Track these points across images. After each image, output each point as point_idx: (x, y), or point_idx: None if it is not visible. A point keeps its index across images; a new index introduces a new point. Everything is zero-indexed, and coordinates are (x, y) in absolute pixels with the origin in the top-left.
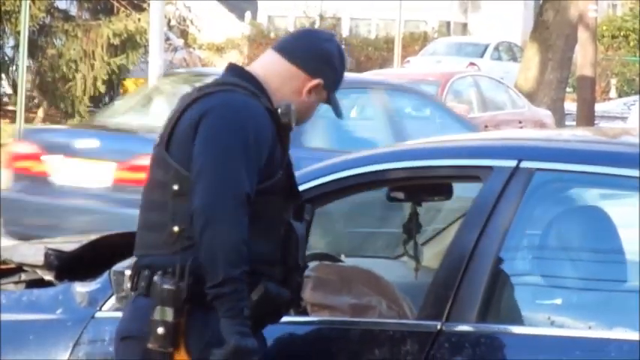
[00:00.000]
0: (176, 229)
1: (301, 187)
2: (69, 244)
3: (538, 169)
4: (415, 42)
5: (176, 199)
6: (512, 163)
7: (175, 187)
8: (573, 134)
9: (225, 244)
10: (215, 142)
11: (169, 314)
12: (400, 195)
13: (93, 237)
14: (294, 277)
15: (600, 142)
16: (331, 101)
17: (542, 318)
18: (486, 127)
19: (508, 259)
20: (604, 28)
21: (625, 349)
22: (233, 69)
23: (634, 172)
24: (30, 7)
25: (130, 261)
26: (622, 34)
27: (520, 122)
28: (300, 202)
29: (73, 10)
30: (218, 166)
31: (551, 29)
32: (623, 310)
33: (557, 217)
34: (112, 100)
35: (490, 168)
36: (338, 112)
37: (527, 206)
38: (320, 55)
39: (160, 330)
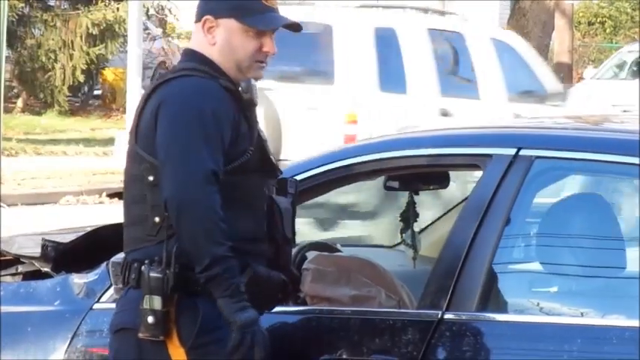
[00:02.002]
0: (157, 219)
1: (307, 174)
2: (66, 235)
3: (537, 157)
4: None
5: (153, 190)
6: (512, 152)
7: (150, 179)
8: (572, 122)
9: (203, 225)
10: (174, 129)
11: (157, 302)
12: (396, 184)
13: (90, 228)
14: (285, 251)
15: (599, 130)
16: (254, 24)
17: (542, 306)
18: None
19: (508, 247)
20: (580, 14)
21: (626, 337)
22: (189, 54)
23: (633, 160)
24: None
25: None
26: (598, 20)
27: None
28: (278, 176)
29: (52, 0)
30: (180, 152)
31: (528, 16)
32: (622, 298)
33: (557, 204)
34: (90, 89)
35: (489, 156)
36: (292, 27)
37: (527, 194)
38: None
39: (150, 319)
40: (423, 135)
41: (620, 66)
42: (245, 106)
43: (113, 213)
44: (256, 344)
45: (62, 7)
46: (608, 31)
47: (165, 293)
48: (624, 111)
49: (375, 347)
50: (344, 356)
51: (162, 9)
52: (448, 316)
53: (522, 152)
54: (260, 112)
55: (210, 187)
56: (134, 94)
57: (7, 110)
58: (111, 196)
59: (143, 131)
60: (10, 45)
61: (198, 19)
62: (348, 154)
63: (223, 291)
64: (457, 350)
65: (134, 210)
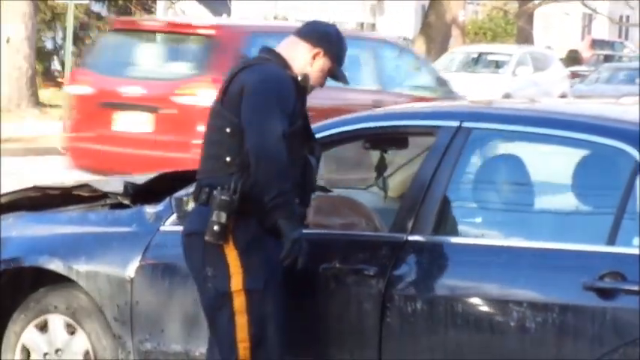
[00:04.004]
0: (229, 159)
1: (320, 134)
2: (140, 178)
3: (475, 128)
4: None
5: (229, 138)
6: (456, 124)
7: (228, 130)
8: (505, 102)
9: (275, 167)
10: (257, 100)
11: (223, 217)
12: (372, 145)
13: (157, 173)
14: (308, 195)
15: (522, 109)
16: (337, 73)
17: (476, 232)
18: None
19: (453, 190)
20: (469, 27)
21: (537, 255)
22: (265, 49)
23: (542, 130)
24: (74, 10)
25: (185, 190)
26: (482, 31)
27: None
28: (313, 142)
29: (104, 12)
30: (261, 116)
31: (433, 28)
32: (532, 226)
33: (487, 161)
34: None
35: (440, 127)
36: (344, 81)
37: (467, 154)
38: (320, 32)
39: (216, 227)
40: (394, 111)
41: (451, 62)
42: (300, 90)
43: None
44: (301, 255)
45: (110, 17)
46: (488, 39)
47: (230, 211)
48: None
49: (359, 260)
50: (337, 265)
51: (183, 12)
52: (412, 237)
53: (464, 124)
54: None
55: (280, 143)
56: None
57: None
58: None
59: (230, 98)
60: (74, 43)
61: (311, 43)
62: (343, 123)
63: (284, 215)
64: (417, 262)
65: (211, 149)
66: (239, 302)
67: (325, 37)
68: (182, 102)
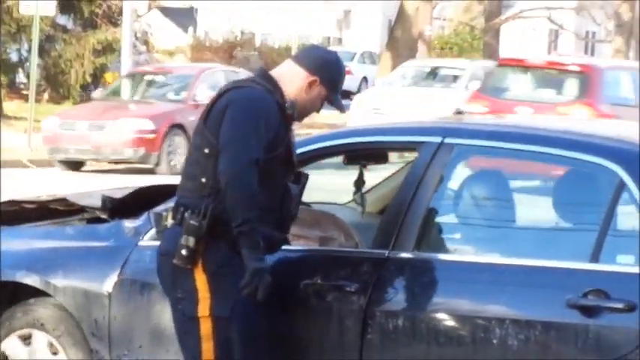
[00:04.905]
0: (204, 180)
1: (303, 149)
2: (118, 192)
3: (457, 144)
4: None
5: (206, 158)
6: (439, 140)
7: (206, 151)
8: (488, 119)
9: (243, 195)
10: (235, 123)
11: (192, 242)
12: (352, 160)
13: (135, 187)
14: (287, 222)
15: (504, 125)
16: (333, 100)
17: (459, 248)
18: None
19: (435, 206)
20: (436, 42)
21: (520, 272)
22: (260, 71)
23: (524, 147)
24: (39, 22)
25: (164, 205)
26: (448, 46)
27: None
28: (296, 170)
29: (70, 25)
30: (237, 140)
31: (400, 42)
32: (515, 243)
33: (469, 178)
34: (96, 88)
35: (423, 142)
36: (341, 109)
37: (449, 169)
38: (318, 59)
39: (184, 251)
40: (377, 127)
41: (404, 76)
42: (286, 117)
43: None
44: (261, 286)
45: (76, 30)
46: (455, 53)
47: (197, 236)
48: (375, 112)
49: (341, 276)
50: (319, 281)
51: (146, 33)
52: (393, 254)
53: (446, 140)
54: None
55: (251, 170)
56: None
57: (37, 100)
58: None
59: (212, 118)
60: (40, 55)
61: (307, 71)
62: (325, 138)
63: (247, 244)
64: (399, 279)
65: (189, 169)
66: (205, 328)
67: (322, 65)
68: None
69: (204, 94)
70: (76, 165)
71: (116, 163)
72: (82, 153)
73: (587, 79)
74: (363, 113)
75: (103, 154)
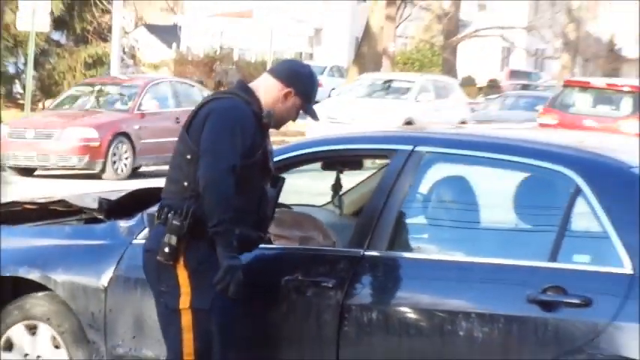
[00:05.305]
0: (185, 184)
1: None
2: (113, 194)
3: (427, 152)
4: None
5: (188, 163)
6: (410, 148)
7: (188, 157)
8: (456, 129)
9: (219, 198)
10: (214, 131)
11: (174, 240)
12: (329, 166)
13: (130, 190)
14: (264, 223)
15: (470, 134)
16: (307, 109)
17: (428, 248)
18: (177, 118)
19: (406, 209)
20: (399, 57)
21: (483, 270)
22: (239, 83)
23: (489, 155)
24: (35, 37)
25: (156, 207)
26: (410, 62)
27: None
28: (272, 175)
29: (63, 40)
30: (215, 148)
31: (366, 58)
32: (480, 243)
33: (437, 182)
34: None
35: (395, 150)
36: (314, 118)
37: (419, 176)
38: (292, 72)
39: (166, 249)
40: (352, 135)
41: (359, 88)
42: (262, 126)
43: None
44: (233, 282)
45: (69, 45)
46: (416, 68)
47: (179, 235)
48: (331, 122)
49: (319, 273)
50: (299, 277)
51: (133, 48)
52: (368, 253)
53: (417, 148)
54: None
55: (227, 175)
56: None
57: (33, 109)
58: None
59: (194, 126)
60: (35, 68)
61: (282, 83)
62: (303, 146)
63: (222, 243)
64: (373, 276)
65: (173, 173)
66: (186, 319)
67: (296, 78)
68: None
69: (150, 104)
70: (27, 171)
71: (64, 169)
72: (30, 160)
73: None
74: (320, 122)
75: (50, 161)
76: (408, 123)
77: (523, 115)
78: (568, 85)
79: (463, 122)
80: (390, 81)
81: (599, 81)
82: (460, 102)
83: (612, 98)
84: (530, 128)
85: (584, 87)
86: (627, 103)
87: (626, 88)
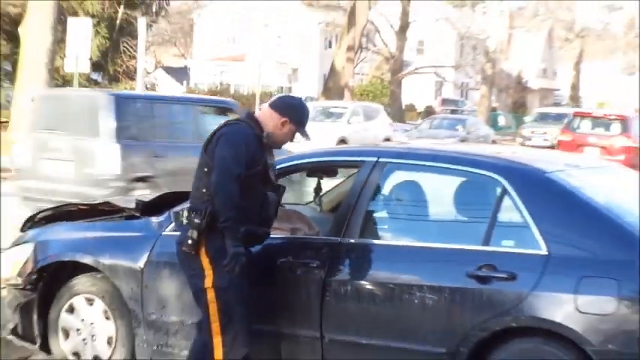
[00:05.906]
0: (204, 190)
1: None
2: (147, 197)
3: (388, 162)
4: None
5: (206, 175)
6: (375, 159)
7: (206, 169)
8: (412, 145)
9: (224, 200)
10: (224, 149)
11: (195, 234)
12: (312, 174)
13: (159, 193)
14: (268, 222)
15: (422, 148)
16: (301, 132)
17: (389, 236)
18: None
19: (372, 206)
20: (357, 90)
21: (432, 252)
22: (247, 113)
23: (435, 164)
24: (78, 77)
25: (181, 206)
26: (365, 93)
27: None
28: (273, 184)
29: (99, 79)
30: (224, 162)
31: (332, 91)
32: (429, 232)
33: (396, 186)
34: None
35: (363, 161)
36: (307, 138)
37: (383, 181)
38: (286, 105)
39: (189, 241)
40: (330, 149)
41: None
42: (263, 144)
43: None
44: (237, 265)
45: (104, 83)
46: (370, 98)
47: (199, 230)
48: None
49: (307, 256)
50: (291, 259)
51: (153, 85)
52: (344, 240)
53: (380, 160)
54: None
55: (233, 182)
56: None
57: None
58: None
59: (211, 146)
60: None
61: (279, 114)
62: (294, 158)
63: (228, 235)
64: (348, 258)
65: (195, 182)
66: (210, 295)
67: (290, 109)
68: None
69: None
70: None
71: None
72: None
73: (625, 122)
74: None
75: None
76: (342, 142)
77: (445, 133)
78: (577, 115)
79: (387, 139)
80: (328, 107)
81: (598, 112)
82: (385, 123)
83: (606, 123)
84: (456, 143)
85: (587, 116)
86: (616, 127)
87: (614, 117)
